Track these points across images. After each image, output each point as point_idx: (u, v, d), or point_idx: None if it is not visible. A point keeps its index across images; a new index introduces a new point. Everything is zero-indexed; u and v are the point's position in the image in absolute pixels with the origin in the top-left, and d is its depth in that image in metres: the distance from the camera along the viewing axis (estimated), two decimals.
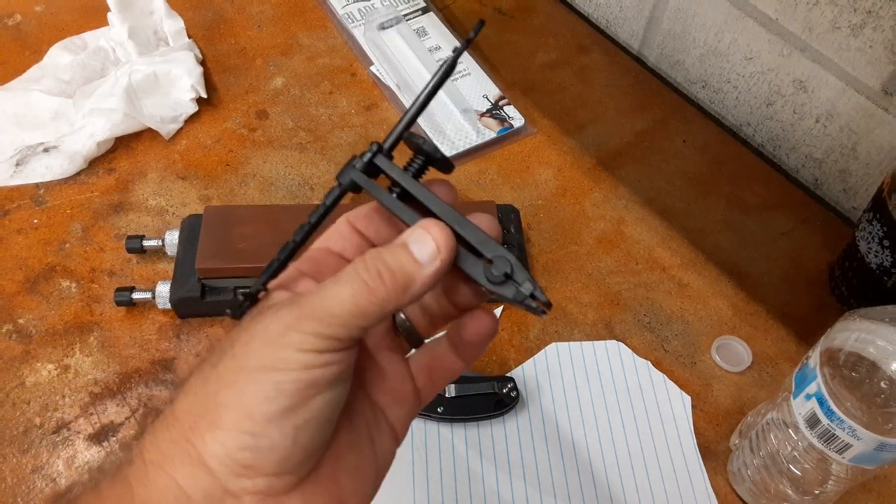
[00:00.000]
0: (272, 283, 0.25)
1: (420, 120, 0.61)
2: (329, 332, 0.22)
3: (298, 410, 0.22)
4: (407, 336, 0.27)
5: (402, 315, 0.27)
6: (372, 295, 0.22)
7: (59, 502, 0.23)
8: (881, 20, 0.50)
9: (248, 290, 0.25)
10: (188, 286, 0.48)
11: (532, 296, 0.23)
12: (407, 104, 0.62)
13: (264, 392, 0.22)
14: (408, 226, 0.24)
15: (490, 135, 0.61)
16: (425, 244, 0.23)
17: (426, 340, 0.27)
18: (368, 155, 0.26)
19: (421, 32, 0.68)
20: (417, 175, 0.26)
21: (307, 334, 0.22)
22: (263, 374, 0.22)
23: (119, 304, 0.49)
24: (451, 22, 0.69)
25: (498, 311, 0.51)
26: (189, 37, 0.66)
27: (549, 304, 0.24)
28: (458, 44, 0.67)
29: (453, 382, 0.46)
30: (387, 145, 0.26)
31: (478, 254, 0.24)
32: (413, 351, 0.28)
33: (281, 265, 0.25)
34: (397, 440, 0.27)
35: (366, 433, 0.26)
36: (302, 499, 0.23)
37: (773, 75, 0.60)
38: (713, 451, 0.46)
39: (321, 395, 0.22)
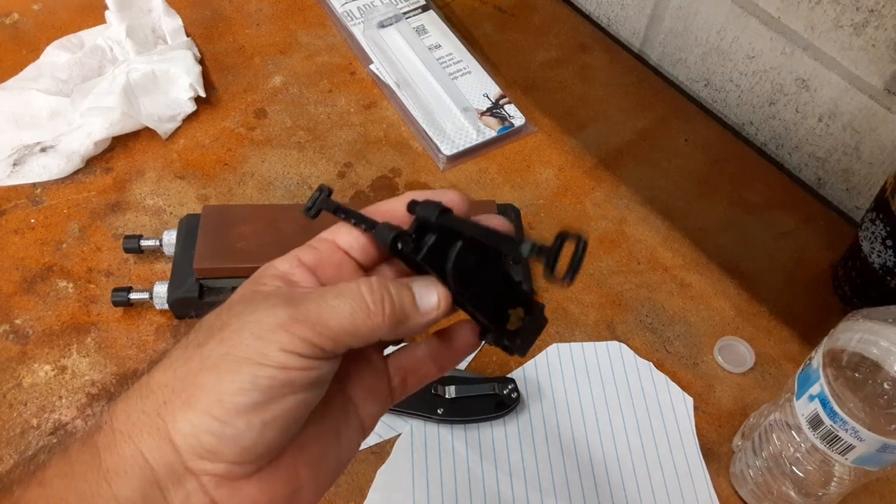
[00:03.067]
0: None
1: (420, 119, 0.61)
2: (317, 341, 0.23)
3: (268, 407, 0.22)
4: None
5: None
6: (369, 319, 0.23)
7: (29, 465, 0.23)
8: (883, 19, 0.50)
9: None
10: (186, 286, 0.48)
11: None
12: (406, 103, 0.62)
13: (240, 383, 0.22)
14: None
15: (490, 134, 0.61)
16: (430, 295, 0.25)
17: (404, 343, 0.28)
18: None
19: (421, 30, 0.67)
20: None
21: (296, 336, 0.22)
22: (244, 366, 0.22)
23: (116, 304, 0.49)
24: (451, 20, 0.69)
25: None
26: (187, 35, 0.66)
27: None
28: (458, 42, 0.66)
29: (454, 384, 0.45)
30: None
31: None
32: (392, 349, 0.28)
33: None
34: (364, 434, 0.27)
35: (333, 427, 0.26)
36: (258, 486, 0.24)
37: (775, 74, 0.59)
38: (715, 453, 0.46)
39: (294, 395, 0.23)
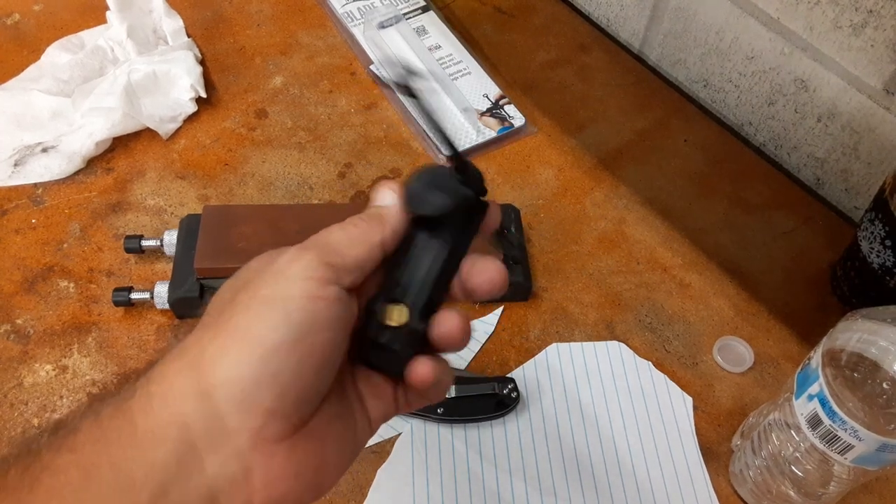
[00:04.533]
0: None
1: (419, 119, 0.61)
2: (327, 258, 0.25)
3: (303, 342, 0.23)
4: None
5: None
6: (356, 227, 0.26)
7: (59, 431, 0.23)
8: (882, 19, 0.50)
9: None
10: (187, 286, 0.48)
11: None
12: (406, 103, 0.62)
13: (273, 319, 0.23)
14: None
15: (490, 134, 0.61)
16: (384, 193, 0.28)
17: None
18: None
19: (421, 31, 0.67)
20: None
21: (309, 260, 0.24)
22: (274, 302, 0.23)
23: (117, 304, 0.49)
24: (451, 21, 0.69)
25: (498, 311, 0.51)
26: (188, 36, 0.66)
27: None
28: (458, 43, 0.66)
29: (454, 384, 0.46)
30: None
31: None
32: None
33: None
34: (371, 430, 0.28)
35: (350, 409, 0.27)
36: (290, 450, 0.24)
37: (774, 74, 0.59)
38: (715, 452, 0.46)
39: (323, 332, 0.24)
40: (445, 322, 0.27)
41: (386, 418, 0.28)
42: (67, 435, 0.23)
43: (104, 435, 0.23)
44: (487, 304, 0.51)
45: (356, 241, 0.26)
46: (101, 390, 0.46)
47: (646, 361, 0.49)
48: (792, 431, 0.39)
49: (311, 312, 0.24)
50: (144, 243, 0.51)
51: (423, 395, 0.28)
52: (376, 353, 0.26)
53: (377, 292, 0.26)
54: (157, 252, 0.52)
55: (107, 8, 0.64)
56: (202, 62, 0.64)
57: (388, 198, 0.28)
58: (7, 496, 0.21)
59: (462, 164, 0.28)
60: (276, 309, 0.23)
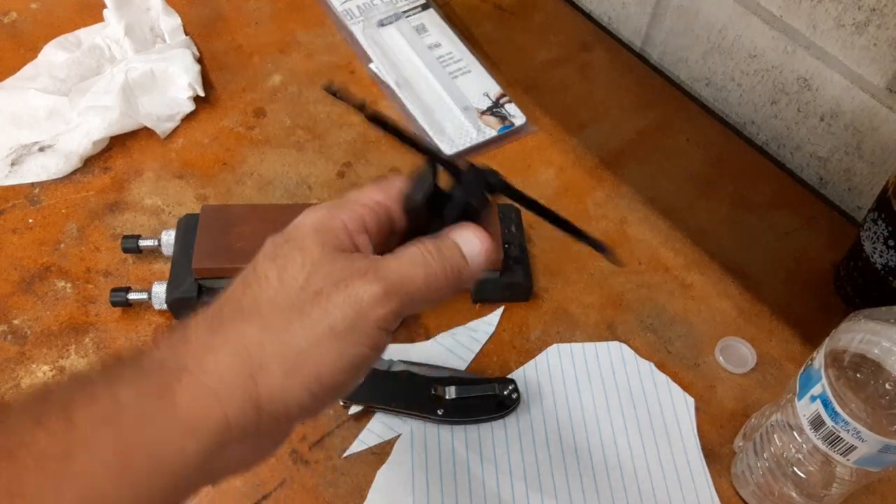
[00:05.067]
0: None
1: (421, 118, 0.61)
2: (405, 310, 0.25)
3: (352, 382, 0.25)
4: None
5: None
6: (435, 278, 0.26)
7: (95, 394, 0.23)
8: (885, 18, 0.50)
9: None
10: (185, 286, 0.48)
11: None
12: (406, 102, 0.62)
13: (341, 363, 0.24)
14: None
15: (491, 133, 0.60)
16: (472, 244, 0.27)
17: None
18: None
19: (420, 29, 0.67)
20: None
21: (390, 311, 0.24)
22: (347, 346, 0.24)
23: (115, 304, 0.49)
24: (451, 18, 0.69)
25: (498, 311, 0.51)
26: (186, 34, 0.66)
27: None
28: (458, 41, 0.66)
29: (454, 384, 0.45)
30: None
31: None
32: None
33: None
34: None
35: None
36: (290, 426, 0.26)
37: (777, 73, 0.59)
38: (717, 454, 0.45)
39: (365, 373, 0.25)
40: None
41: None
42: (108, 408, 0.23)
43: (143, 412, 0.23)
44: (488, 304, 0.51)
45: (432, 296, 0.26)
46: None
47: (647, 362, 0.49)
48: (794, 433, 0.39)
49: (372, 359, 0.25)
50: (142, 243, 0.51)
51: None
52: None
53: None
54: (155, 252, 0.52)
55: (104, 6, 0.64)
56: (200, 60, 0.64)
57: (474, 246, 0.27)
58: (39, 465, 0.21)
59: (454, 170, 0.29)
60: (347, 354, 0.24)
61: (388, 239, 0.28)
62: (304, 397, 0.24)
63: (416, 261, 0.25)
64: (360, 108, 0.27)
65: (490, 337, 0.50)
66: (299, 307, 0.24)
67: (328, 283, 0.24)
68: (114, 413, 0.22)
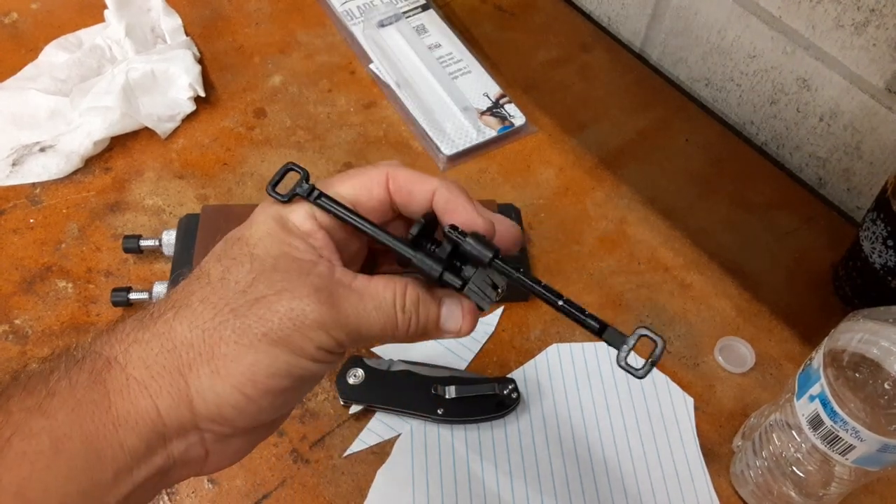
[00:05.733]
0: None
1: (421, 118, 0.61)
2: (349, 343, 0.25)
3: (293, 391, 0.25)
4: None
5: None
6: (396, 331, 0.25)
7: (31, 388, 0.23)
8: (884, 18, 0.50)
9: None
10: None
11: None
12: (406, 102, 0.62)
13: (276, 368, 0.24)
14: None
15: (490, 133, 0.60)
16: (454, 319, 0.26)
17: None
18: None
19: (420, 30, 0.67)
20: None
21: (332, 339, 0.24)
22: (282, 353, 0.24)
23: (116, 304, 0.49)
24: (451, 19, 0.69)
25: (498, 311, 0.51)
26: (186, 34, 0.66)
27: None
28: (458, 41, 0.66)
29: (454, 384, 0.45)
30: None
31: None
32: None
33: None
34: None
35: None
36: (247, 439, 0.26)
37: (776, 73, 0.59)
38: (716, 453, 0.46)
39: (312, 383, 0.25)
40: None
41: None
42: (42, 397, 0.23)
43: (78, 406, 0.23)
44: None
45: (382, 340, 0.26)
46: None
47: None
48: (793, 432, 0.39)
49: (311, 373, 0.24)
50: (143, 243, 0.51)
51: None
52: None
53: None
54: (156, 252, 0.52)
55: (105, 6, 0.64)
56: (200, 61, 0.64)
57: (453, 325, 0.26)
58: None
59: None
60: (280, 361, 0.24)
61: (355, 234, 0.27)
62: (236, 398, 0.23)
63: (382, 308, 0.25)
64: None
65: (490, 337, 0.50)
66: (235, 309, 0.24)
67: (273, 291, 0.24)
68: (46, 402, 0.23)
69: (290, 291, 0.24)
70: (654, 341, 0.22)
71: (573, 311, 0.25)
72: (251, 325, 0.23)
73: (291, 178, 0.27)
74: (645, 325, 0.23)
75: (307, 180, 0.26)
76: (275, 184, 0.27)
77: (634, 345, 0.22)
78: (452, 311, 0.26)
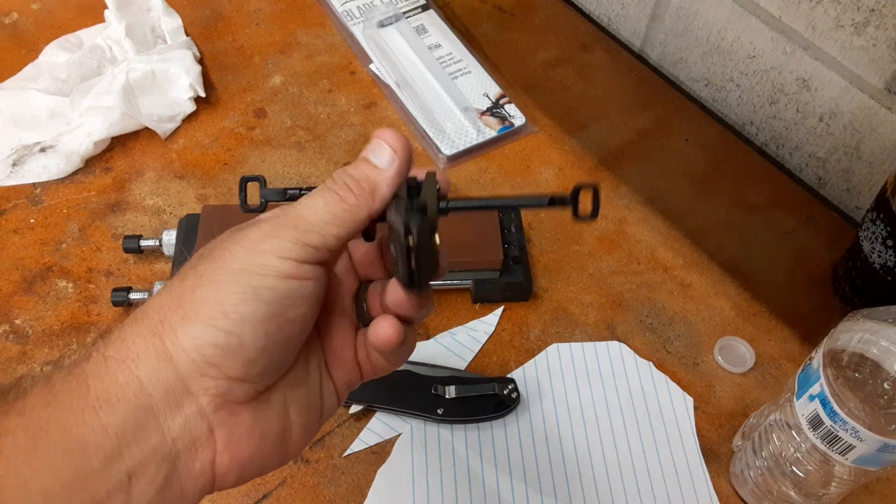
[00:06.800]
0: None
1: (421, 118, 0.61)
2: (305, 238, 0.23)
3: (271, 318, 0.23)
4: (357, 312, 0.28)
5: (363, 297, 0.28)
6: (343, 202, 0.24)
7: (9, 394, 0.22)
8: (884, 18, 0.50)
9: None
10: None
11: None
12: (406, 102, 0.62)
13: (242, 293, 0.22)
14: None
15: (490, 133, 0.60)
16: (382, 151, 0.25)
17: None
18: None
19: (420, 30, 0.67)
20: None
21: (286, 240, 0.23)
22: (243, 277, 0.23)
23: (116, 304, 0.49)
24: (451, 19, 0.69)
25: (498, 311, 0.51)
26: (187, 34, 0.66)
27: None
28: (458, 41, 0.66)
29: (454, 384, 0.45)
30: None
31: None
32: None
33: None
34: (338, 400, 0.27)
35: (317, 375, 0.26)
36: (253, 414, 0.24)
37: (776, 73, 0.59)
38: (716, 453, 0.46)
39: (294, 308, 0.23)
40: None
41: (351, 386, 0.28)
42: (16, 399, 0.22)
43: (55, 398, 0.22)
44: (487, 304, 0.51)
45: (342, 221, 0.24)
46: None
47: (646, 362, 0.49)
48: (793, 432, 0.39)
49: (284, 292, 0.23)
50: (143, 243, 0.51)
51: (387, 358, 0.27)
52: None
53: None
54: (156, 252, 0.52)
55: (105, 7, 0.64)
56: (201, 61, 0.64)
57: (384, 157, 0.25)
58: None
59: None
60: (245, 284, 0.22)
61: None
62: (213, 333, 0.22)
63: (313, 194, 0.24)
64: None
65: (490, 336, 0.50)
66: (195, 265, 0.23)
67: (218, 243, 0.24)
68: (21, 402, 0.22)
69: (237, 233, 0.24)
70: (591, 187, 0.25)
71: (516, 198, 0.26)
72: (207, 267, 0.23)
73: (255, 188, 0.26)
74: (580, 182, 0.25)
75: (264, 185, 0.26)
76: (244, 201, 0.27)
77: (577, 196, 0.25)
78: (376, 148, 0.25)
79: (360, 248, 0.28)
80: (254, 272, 0.23)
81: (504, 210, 0.26)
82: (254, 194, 0.27)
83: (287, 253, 0.23)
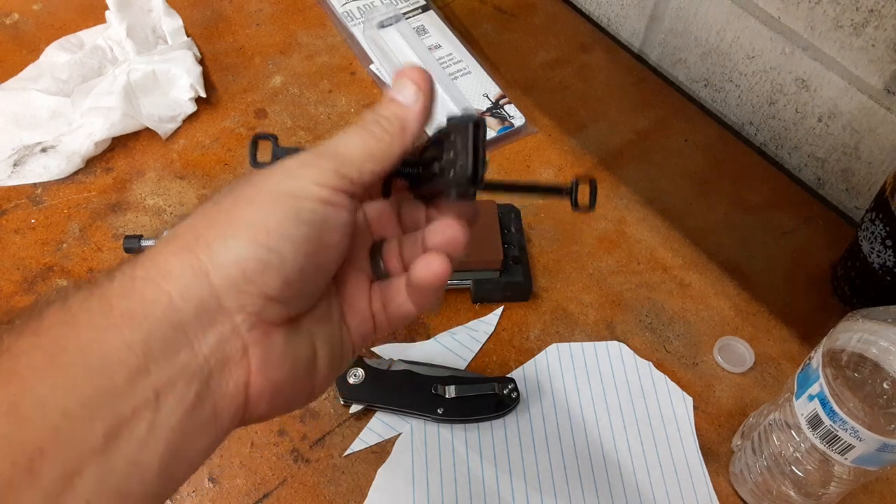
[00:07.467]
0: None
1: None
2: (344, 170, 0.24)
3: (311, 240, 0.23)
4: (373, 267, 0.28)
5: (379, 253, 0.29)
6: (378, 141, 0.25)
7: (20, 316, 0.21)
8: (883, 19, 0.50)
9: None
10: None
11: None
12: None
13: (284, 213, 0.23)
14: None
15: (490, 134, 0.61)
16: (407, 88, 0.26)
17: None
18: None
19: (421, 31, 0.67)
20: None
21: (325, 169, 0.24)
22: (284, 198, 0.23)
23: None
24: (451, 20, 0.69)
25: (498, 311, 0.51)
26: (187, 35, 0.66)
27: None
28: (458, 42, 0.66)
29: (454, 384, 0.46)
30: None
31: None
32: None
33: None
34: (353, 350, 0.28)
35: (338, 317, 0.27)
36: (285, 338, 0.24)
37: (775, 74, 0.59)
38: (715, 453, 0.46)
39: (330, 234, 0.24)
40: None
41: (364, 338, 0.28)
42: (31, 320, 0.21)
43: (73, 318, 0.21)
44: (487, 304, 0.51)
45: (377, 157, 0.25)
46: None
47: (646, 361, 0.49)
48: (792, 432, 0.39)
49: (322, 215, 0.23)
50: (144, 243, 0.51)
51: (419, 302, 0.27)
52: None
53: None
54: None
55: (106, 7, 0.64)
56: (201, 62, 0.64)
57: (409, 94, 0.25)
58: None
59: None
60: (286, 205, 0.23)
61: None
62: (255, 250, 0.22)
63: (348, 132, 0.25)
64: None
65: (490, 336, 0.50)
66: (231, 189, 0.24)
67: (257, 175, 0.24)
68: (36, 323, 0.21)
69: (274, 165, 0.24)
70: (589, 182, 0.27)
71: (535, 185, 0.28)
72: (245, 190, 0.23)
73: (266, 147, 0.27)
74: (579, 176, 0.27)
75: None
76: (254, 156, 0.27)
77: (577, 188, 0.26)
78: (400, 86, 0.26)
79: (374, 207, 0.29)
80: (294, 194, 0.23)
81: (524, 193, 0.28)
82: (265, 152, 0.26)
83: (325, 180, 0.23)
